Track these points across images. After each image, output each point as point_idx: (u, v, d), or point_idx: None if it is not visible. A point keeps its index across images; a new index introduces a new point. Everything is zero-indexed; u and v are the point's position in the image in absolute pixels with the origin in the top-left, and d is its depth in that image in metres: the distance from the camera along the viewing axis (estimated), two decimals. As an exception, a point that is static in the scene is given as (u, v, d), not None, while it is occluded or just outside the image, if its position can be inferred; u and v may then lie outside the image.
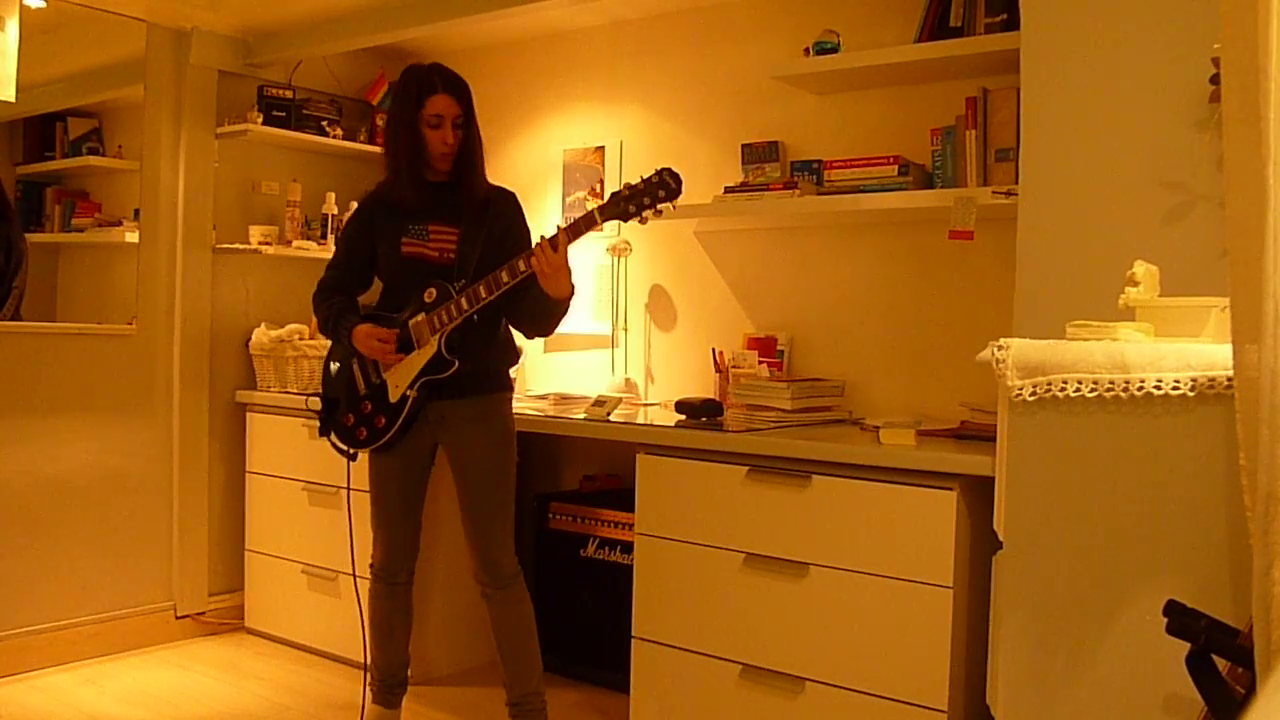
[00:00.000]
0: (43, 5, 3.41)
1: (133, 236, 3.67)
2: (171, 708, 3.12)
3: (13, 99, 3.35)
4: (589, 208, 2.53)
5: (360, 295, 2.84)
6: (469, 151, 2.68)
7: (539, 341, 3.84)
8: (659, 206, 2.49)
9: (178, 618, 3.76)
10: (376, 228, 2.72)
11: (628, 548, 3.11)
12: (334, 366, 2.79)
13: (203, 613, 3.82)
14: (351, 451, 2.74)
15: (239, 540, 3.87)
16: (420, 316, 2.62)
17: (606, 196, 2.57)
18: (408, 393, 2.64)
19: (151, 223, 3.70)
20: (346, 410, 2.73)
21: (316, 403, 2.82)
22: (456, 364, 2.61)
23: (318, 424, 2.81)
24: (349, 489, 2.87)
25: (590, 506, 3.33)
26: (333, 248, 3.94)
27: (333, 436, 2.77)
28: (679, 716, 2.70)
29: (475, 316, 2.60)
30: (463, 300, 2.57)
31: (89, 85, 3.77)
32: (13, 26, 3.33)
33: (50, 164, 3.69)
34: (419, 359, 2.63)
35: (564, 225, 2.55)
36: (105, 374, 3.59)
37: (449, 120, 2.61)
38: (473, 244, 2.65)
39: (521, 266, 2.53)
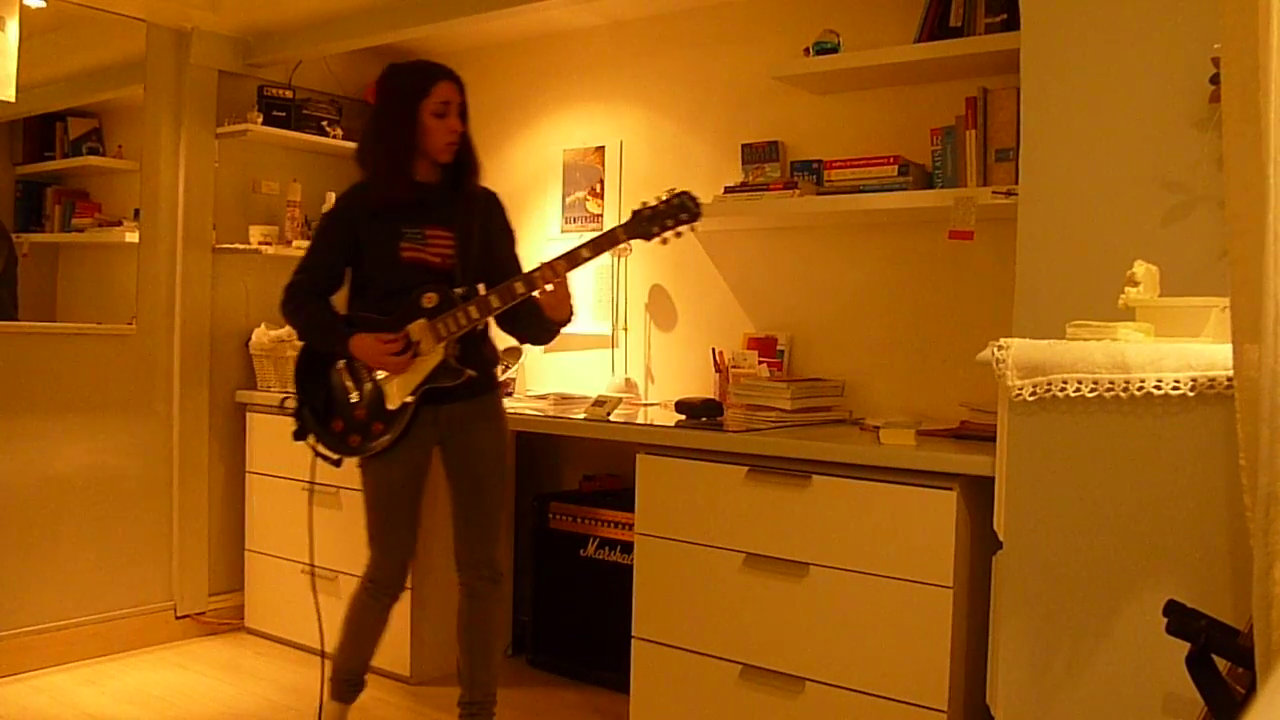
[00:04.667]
0: (43, 5, 3.41)
1: (133, 236, 3.67)
2: (171, 708, 3.12)
3: (13, 99, 3.35)
4: (607, 225, 2.55)
5: (331, 295, 2.73)
6: (468, 147, 2.65)
7: (539, 341, 3.84)
8: (679, 229, 2.52)
9: (178, 618, 3.76)
10: (362, 230, 2.62)
11: (628, 548, 3.11)
12: (315, 369, 2.69)
13: (203, 613, 3.82)
14: (336, 458, 2.66)
15: (239, 540, 3.87)
16: (421, 322, 2.55)
17: (629, 214, 2.55)
18: (408, 400, 2.58)
19: (151, 223, 3.70)
20: (335, 416, 2.65)
21: (293, 403, 2.70)
22: (469, 373, 2.57)
23: (294, 427, 2.69)
24: (312, 484, 2.73)
25: (590, 506, 3.33)
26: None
27: (313, 441, 2.67)
28: (679, 716, 2.70)
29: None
30: (472, 309, 2.53)
31: (89, 85, 3.77)
32: (13, 26, 3.33)
33: (50, 164, 3.69)
34: (422, 366, 2.57)
35: (583, 247, 2.51)
36: (105, 374, 3.59)
37: (454, 107, 2.59)
38: (468, 248, 2.62)
39: (539, 279, 2.52)
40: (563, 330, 2.67)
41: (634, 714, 2.79)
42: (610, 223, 3.70)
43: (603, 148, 3.75)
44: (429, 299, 2.56)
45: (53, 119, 3.68)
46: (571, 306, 2.59)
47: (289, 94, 3.88)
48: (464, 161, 2.65)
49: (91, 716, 3.04)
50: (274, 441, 3.74)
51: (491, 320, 2.66)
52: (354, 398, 2.63)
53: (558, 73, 3.86)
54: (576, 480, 3.61)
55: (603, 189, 3.74)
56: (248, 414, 3.84)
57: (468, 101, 2.65)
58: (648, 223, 2.51)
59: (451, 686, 3.25)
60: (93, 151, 3.73)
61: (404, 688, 3.27)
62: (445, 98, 2.57)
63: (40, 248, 3.66)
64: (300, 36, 3.72)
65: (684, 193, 2.53)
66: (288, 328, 3.74)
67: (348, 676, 2.78)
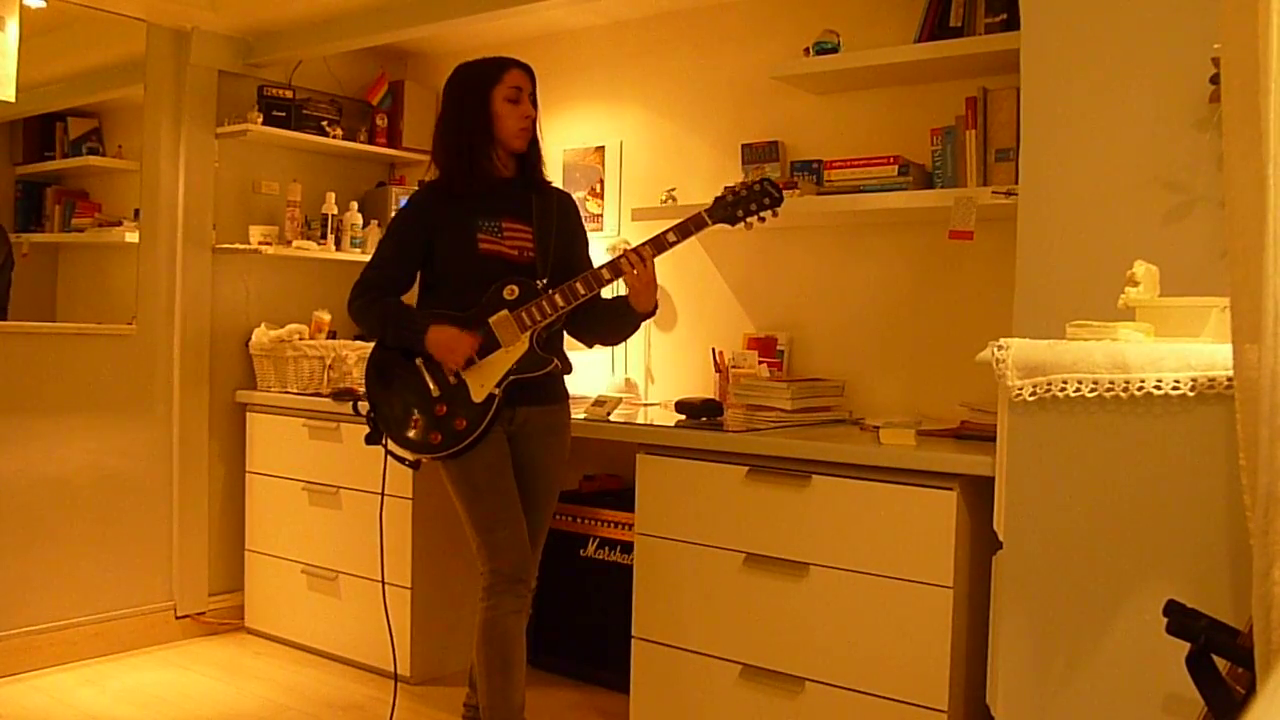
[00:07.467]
0: (43, 5, 3.40)
1: (133, 236, 3.67)
2: (171, 708, 3.12)
3: (13, 99, 3.34)
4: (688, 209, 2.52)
5: (403, 295, 2.64)
6: (537, 140, 2.62)
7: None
8: (762, 214, 2.52)
9: (178, 618, 3.76)
10: (437, 224, 2.54)
11: (628, 548, 3.11)
12: (389, 370, 2.56)
13: (203, 613, 3.82)
14: (414, 459, 2.55)
15: (239, 540, 3.87)
16: (503, 314, 2.48)
17: (711, 200, 2.53)
18: (494, 391, 2.48)
19: (151, 223, 3.70)
20: (414, 415, 2.51)
21: (365, 407, 2.60)
22: (554, 362, 2.51)
23: (367, 431, 2.59)
24: (383, 494, 2.75)
25: (590, 506, 3.33)
26: (332, 248, 3.96)
27: (389, 444, 2.56)
28: (679, 716, 2.70)
29: (564, 318, 2.55)
30: (557, 297, 2.47)
31: (89, 85, 3.77)
32: (13, 26, 3.33)
33: (50, 164, 3.69)
34: (507, 357, 2.49)
35: (668, 231, 2.48)
36: (105, 374, 3.59)
37: (526, 93, 2.56)
38: (546, 243, 2.55)
39: (625, 265, 2.48)
40: (639, 326, 2.62)
41: (634, 714, 2.79)
42: (610, 223, 3.70)
43: (603, 148, 3.75)
44: (510, 291, 2.50)
45: (53, 119, 3.68)
46: (655, 297, 2.52)
47: (289, 94, 3.88)
48: (532, 157, 2.62)
49: (91, 716, 3.04)
50: (274, 441, 3.74)
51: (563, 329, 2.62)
52: (435, 393, 2.51)
53: (558, 73, 3.86)
54: (576, 480, 3.61)
55: (602, 189, 3.74)
56: (248, 414, 3.84)
57: (537, 94, 2.62)
58: (732, 207, 2.50)
59: (451, 686, 3.27)
60: (93, 151, 3.73)
61: (404, 687, 3.26)
62: (517, 83, 2.55)
63: (40, 248, 3.66)
64: (300, 36, 3.72)
65: (766, 179, 2.53)
66: (288, 327, 3.74)
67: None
